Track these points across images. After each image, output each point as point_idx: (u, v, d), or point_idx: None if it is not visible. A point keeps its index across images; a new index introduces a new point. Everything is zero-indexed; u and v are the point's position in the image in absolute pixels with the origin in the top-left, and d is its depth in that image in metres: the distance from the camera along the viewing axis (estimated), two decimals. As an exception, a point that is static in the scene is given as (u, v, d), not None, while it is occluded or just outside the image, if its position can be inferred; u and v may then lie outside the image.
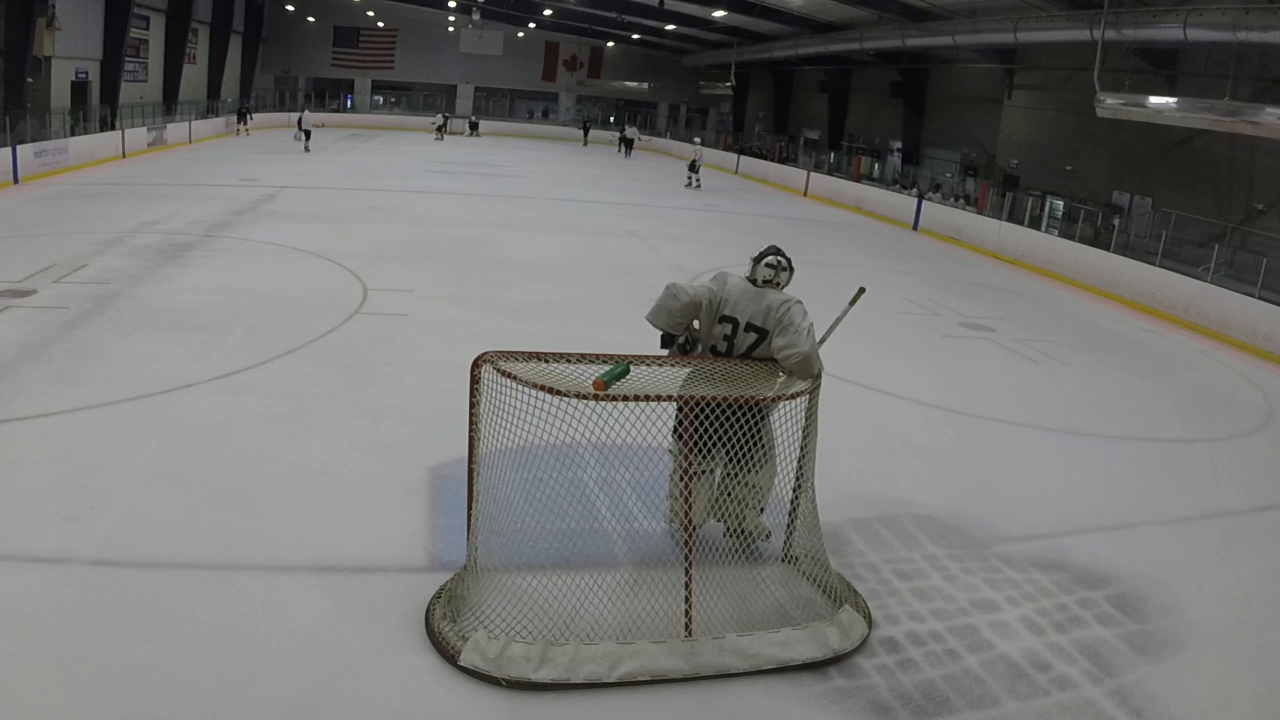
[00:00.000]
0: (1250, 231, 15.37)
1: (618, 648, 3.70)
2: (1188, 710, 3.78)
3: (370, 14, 40.24)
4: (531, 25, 39.90)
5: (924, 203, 20.37)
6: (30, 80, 19.71)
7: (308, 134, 26.27)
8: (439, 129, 35.94)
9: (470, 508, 4.04)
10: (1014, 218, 17.96)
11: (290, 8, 38.22)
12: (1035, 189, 20.42)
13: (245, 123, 30.35)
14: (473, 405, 3.91)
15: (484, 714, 3.41)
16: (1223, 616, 4.59)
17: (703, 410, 3.91)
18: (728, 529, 4.58)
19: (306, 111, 28.65)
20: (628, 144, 34.17)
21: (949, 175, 24.96)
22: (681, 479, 4.12)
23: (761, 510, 4.68)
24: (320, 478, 5.20)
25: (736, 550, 4.49)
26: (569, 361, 4.01)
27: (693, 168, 24.85)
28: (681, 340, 4.62)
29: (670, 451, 4.54)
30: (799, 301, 4.44)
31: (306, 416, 6.09)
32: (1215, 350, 11.12)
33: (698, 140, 28.64)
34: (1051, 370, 9.13)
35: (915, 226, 20.06)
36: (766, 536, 4.72)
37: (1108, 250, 14.95)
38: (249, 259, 10.96)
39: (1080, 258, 15.03)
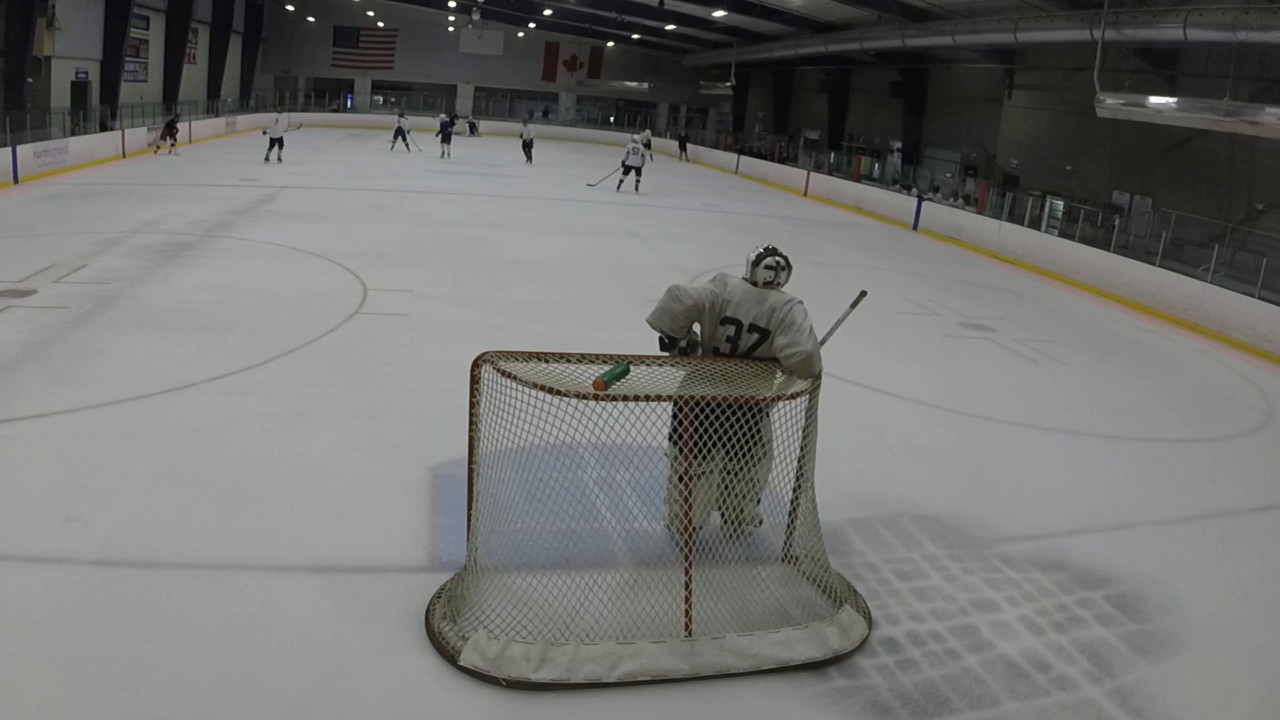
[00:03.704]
0: (1250, 231, 15.37)
1: (618, 648, 3.70)
2: (1188, 710, 3.78)
3: (370, 14, 40.24)
4: (531, 25, 39.91)
5: (924, 203, 20.37)
6: (30, 80, 19.72)
7: (277, 143, 21.94)
8: (399, 134, 28.21)
9: (470, 508, 4.03)
10: (1014, 218, 17.97)
11: (290, 8, 38.23)
12: (1035, 189, 20.43)
13: (173, 137, 23.30)
14: (473, 405, 3.90)
15: (484, 714, 3.41)
16: (1223, 616, 4.58)
17: (702, 410, 3.91)
18: (725, 518, 4.63)
19: (281, 114, 23.69)
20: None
21: (949, 175, 24.97)
22: (680, 482, 4.13)
23: (758, 501, 4.71)
24: (320, 478, 5.20)
25: (728, 535, 4.51)
26: (569, 361, 4.01)
27: (632, 169, 21.74)
28: (683, 344, 4.61)
29: (666, 455, 4.55)
30: (800, 301, 4.45)
31: (306, 416, 6.09)
32: (1215, 350, 11.11)
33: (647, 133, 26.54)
34: (1051, 370, 9.13)
35: (915, 226, 20.06)
36: (759, 523, 4.76)
37: (1108, 250, 14.96)
38: (249, 259, 10.96)
39: (1080, 258, 15.03)
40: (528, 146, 28.04)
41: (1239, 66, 14.73)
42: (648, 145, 31.70)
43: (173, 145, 23.20)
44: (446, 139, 27.54)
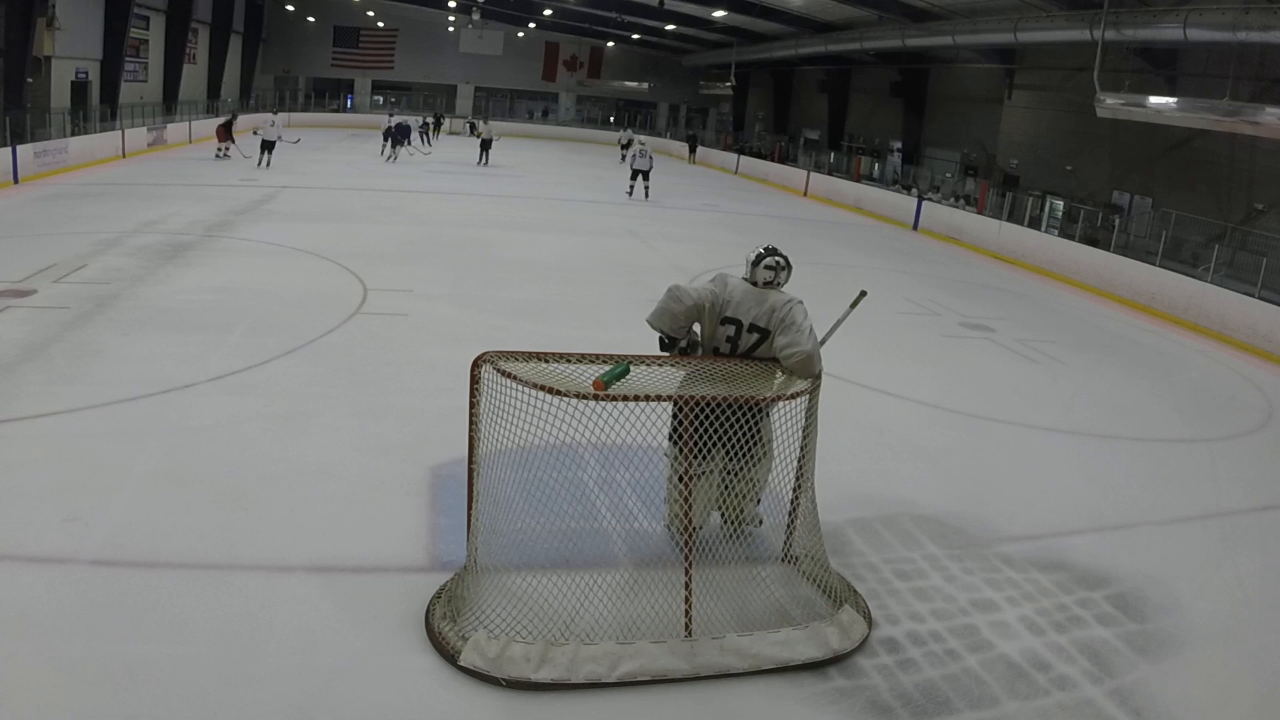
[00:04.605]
0: (1250, 231, 15.38)
1: (618, 648, 3.70)
2: (1188, 710, 3.78)
3: (370, 14, 40.24)
4: (531, 25, 39.91)
5: (924, 203, 20.38)
6: (30, 80, 19.71)
7: (269, 147, 20.56)
8: (389, 137, 25.22)
9: (470, 508, 4.03)
10: (1014, 218, 17.97)
11: (290, 8, 38.22)
12: (1035, 189, 20.43)
13: (231, 138, 22.14)
14: (473, 405, 3.90)
15: (484, 714, 3.41)
16: (1223, 616, 4.59)
17: (702, 410, 3.91)
18: (725, 517, 4.63)
19: (276, 115, 22.46)
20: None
21: (949, 175, 24.97)
22: (680, 482, 4.13)
23: (758, 501, 4.71)
24: (320, 478, 5.20)
25: (728, 535, 4.51)
26: (569, 361, 4.01)
27: (639, 173, 20.86)
28: (683, 344, 4.61)
29: (666, 455, 4.55)
30: (800, 301, 4.45)
31: (306, 416, 6.09)
32: (1215, 350, 11.11)
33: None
34: (1051, 370, 9.13)
35: (915, 226, 20.07)
36: (759, 523, 4.77)
37: (1108, 250, 14.95)
38: (249, 259, 10.96)
39: (1080, 258, 15.03)
40: (485, 146, 25.48)
41: (1239, 66, 14.72)
42: (626, 146, 31.26)
43: (229, 146, 21.89)
44: (399, 142, 24.97)
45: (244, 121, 30.35)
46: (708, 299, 4.46)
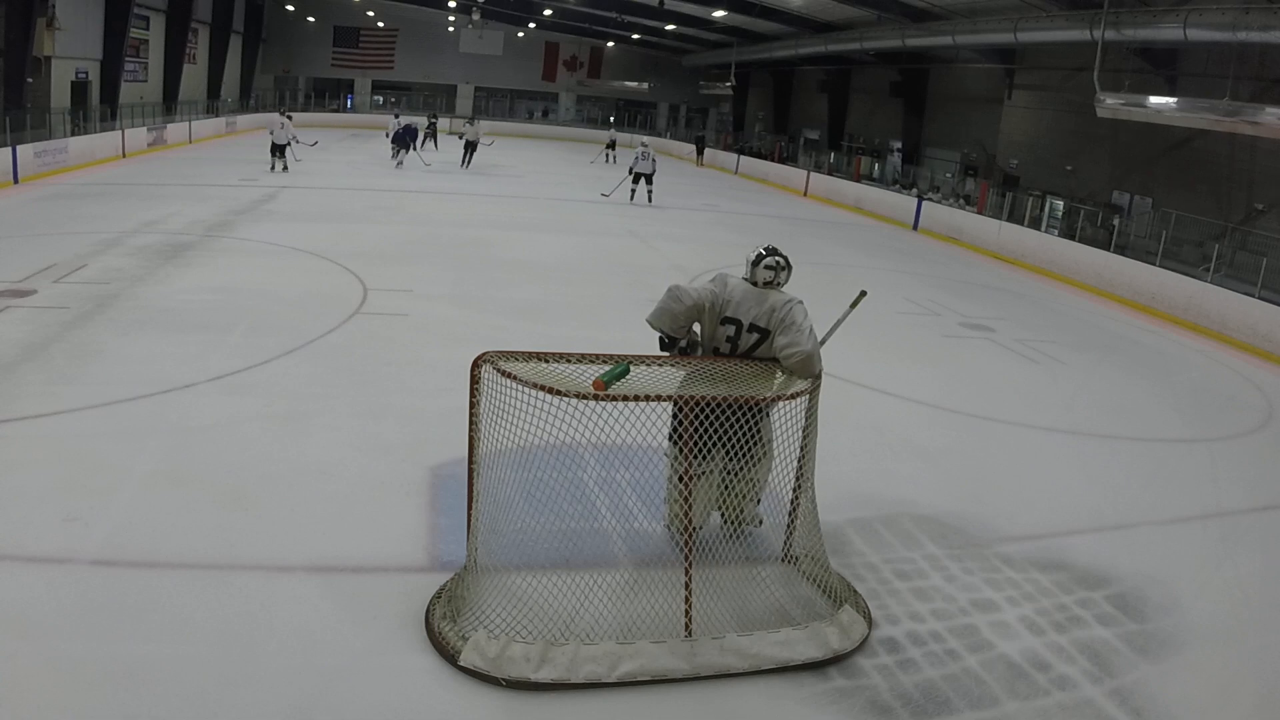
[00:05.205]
0: (1250, 231, 15.38)
1: (618, 648, 3.70)
2: (1188, 710, 3.78)
3: (370, 14, 40.25)
4: (531, 25, 39.91)
5: (924, 203, 20.38)
6: (30, 80, 19.72)
7: (279, 151, 19.99)
8: (397, 141, 23.54)
9: (470, 508, 4.03)
10: (1014, 218, 17.97)
11: (290, 8, 38.23)
12: (1035, 189, 20.43)
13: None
14: (473, 405, 3.91)
15: (484, 714, 3.41)
16: (1223, 616, 4.59)
17: (702, 410, 3.91)
18: (725, 517, 4.63)
19: (285, 117, 21.09)
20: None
21: (949, 175, 24.97)
22: (680, 482, 4.13)
23: (758, 501, 4.71)
24: (320, 478, 5.20)
25: (728, 535, 4.51)
26: (569, 361, 4.01)
27: (642, 176, 19.96)
28: (683, 344, 4.61)
29: (666, 455, 4.55)
30: (800, 301, 4.45)
31: (306, 416, 6.09)
32: (1215, 350, 11.11)
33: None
34: (1051, 370, 9.13)
35: (915, 226, 20.06)
36: (759, 523, 4.77)
37: (1108, 250, 14.95)
38: (249, 259, 10.95)
39: (1080, 258, 15.03)
40: (470, 148, 24.21)
41: (1239, 66, 14.72)
42: (612, 146, 31.10)
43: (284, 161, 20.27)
44: (405, 146, 23.47)
45: (253, 121, 30.13)
46: (708, 299, 4.46)
